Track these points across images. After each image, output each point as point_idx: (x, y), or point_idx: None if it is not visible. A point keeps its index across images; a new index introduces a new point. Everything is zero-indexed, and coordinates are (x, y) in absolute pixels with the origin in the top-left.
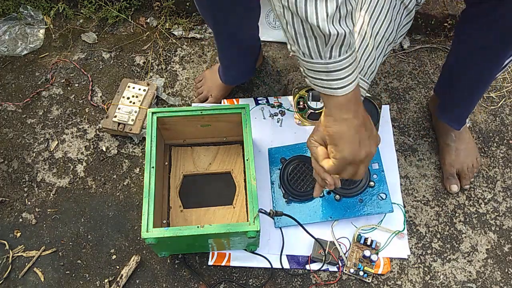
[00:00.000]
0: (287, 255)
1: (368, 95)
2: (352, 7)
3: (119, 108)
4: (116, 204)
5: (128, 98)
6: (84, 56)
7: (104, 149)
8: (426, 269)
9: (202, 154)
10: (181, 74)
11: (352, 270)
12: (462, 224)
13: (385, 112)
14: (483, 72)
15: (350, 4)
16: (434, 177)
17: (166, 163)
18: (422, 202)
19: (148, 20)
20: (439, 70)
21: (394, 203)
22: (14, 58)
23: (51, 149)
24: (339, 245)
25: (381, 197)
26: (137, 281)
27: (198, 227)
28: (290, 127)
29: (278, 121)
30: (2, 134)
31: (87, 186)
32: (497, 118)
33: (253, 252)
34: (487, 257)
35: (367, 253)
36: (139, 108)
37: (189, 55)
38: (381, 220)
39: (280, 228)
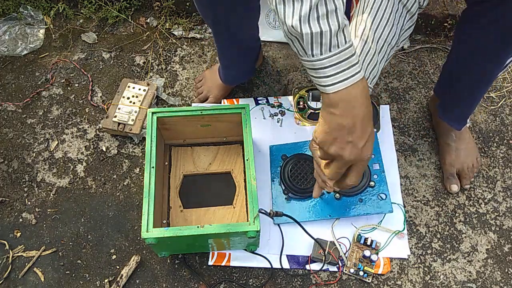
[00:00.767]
0: (287, 255)
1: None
2: (336, 6)
3: (119, 108)
4: (116, 204)
5: (128, 98)
6: (84, 56)
7: (104, 149)
8: (426, 269)
9: (202, 154)
10: (181, 74)
11: (352, 270)
12: (462, 224)
13: (385, 112)
14: (484, 72)
15: (333, 3)
16: (434, 177)
17: (166, 163)
18: (422, 202)
19: (148, 20)
20: (439, 70)
21: (394, 203)
22: (14, 58)
23: (51, 149)
24: (339, 245)
25: (381, 197)
26: (137, 281)
27: (198, 227)
28: (290, 127)
29: (278, 121)
30: (2, 134)
31: (87, 186)
32: (497, 118)
33: (253, 252)
34: (487, 257)
35: (367, 253)
36: (139, 108)
37: (189, 55)
38: (381, 220)
39: (279, 225)
